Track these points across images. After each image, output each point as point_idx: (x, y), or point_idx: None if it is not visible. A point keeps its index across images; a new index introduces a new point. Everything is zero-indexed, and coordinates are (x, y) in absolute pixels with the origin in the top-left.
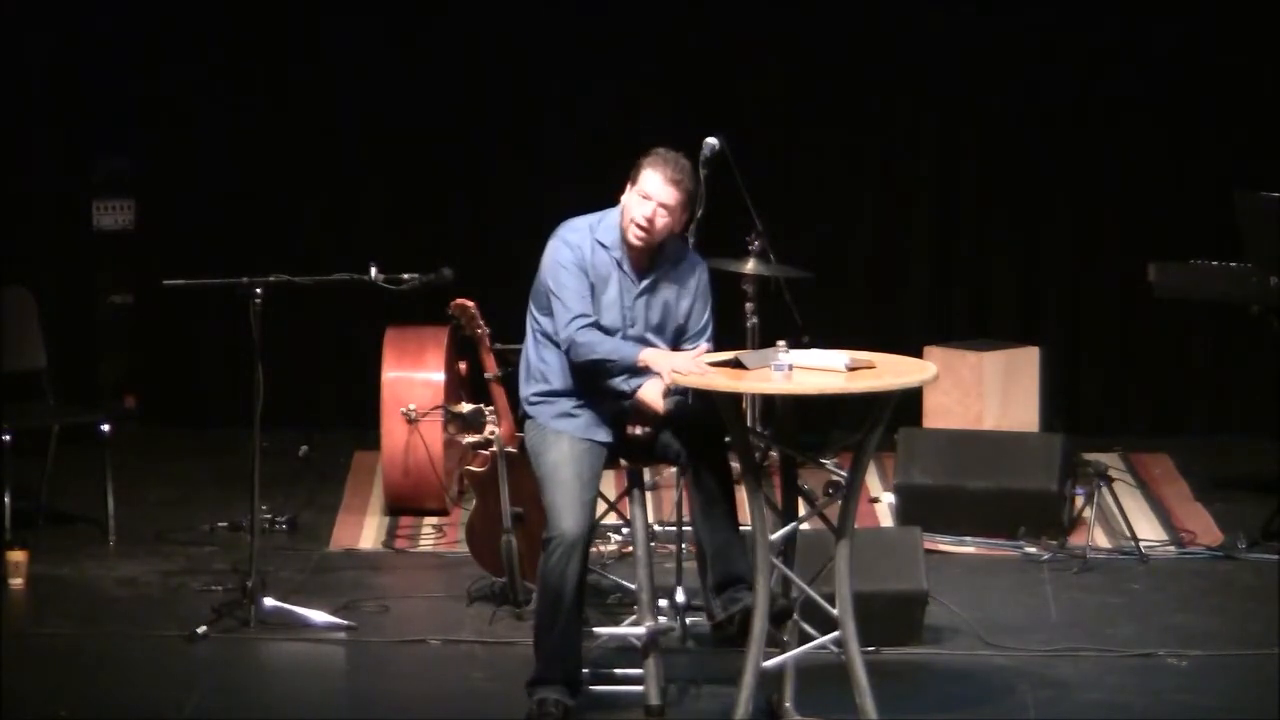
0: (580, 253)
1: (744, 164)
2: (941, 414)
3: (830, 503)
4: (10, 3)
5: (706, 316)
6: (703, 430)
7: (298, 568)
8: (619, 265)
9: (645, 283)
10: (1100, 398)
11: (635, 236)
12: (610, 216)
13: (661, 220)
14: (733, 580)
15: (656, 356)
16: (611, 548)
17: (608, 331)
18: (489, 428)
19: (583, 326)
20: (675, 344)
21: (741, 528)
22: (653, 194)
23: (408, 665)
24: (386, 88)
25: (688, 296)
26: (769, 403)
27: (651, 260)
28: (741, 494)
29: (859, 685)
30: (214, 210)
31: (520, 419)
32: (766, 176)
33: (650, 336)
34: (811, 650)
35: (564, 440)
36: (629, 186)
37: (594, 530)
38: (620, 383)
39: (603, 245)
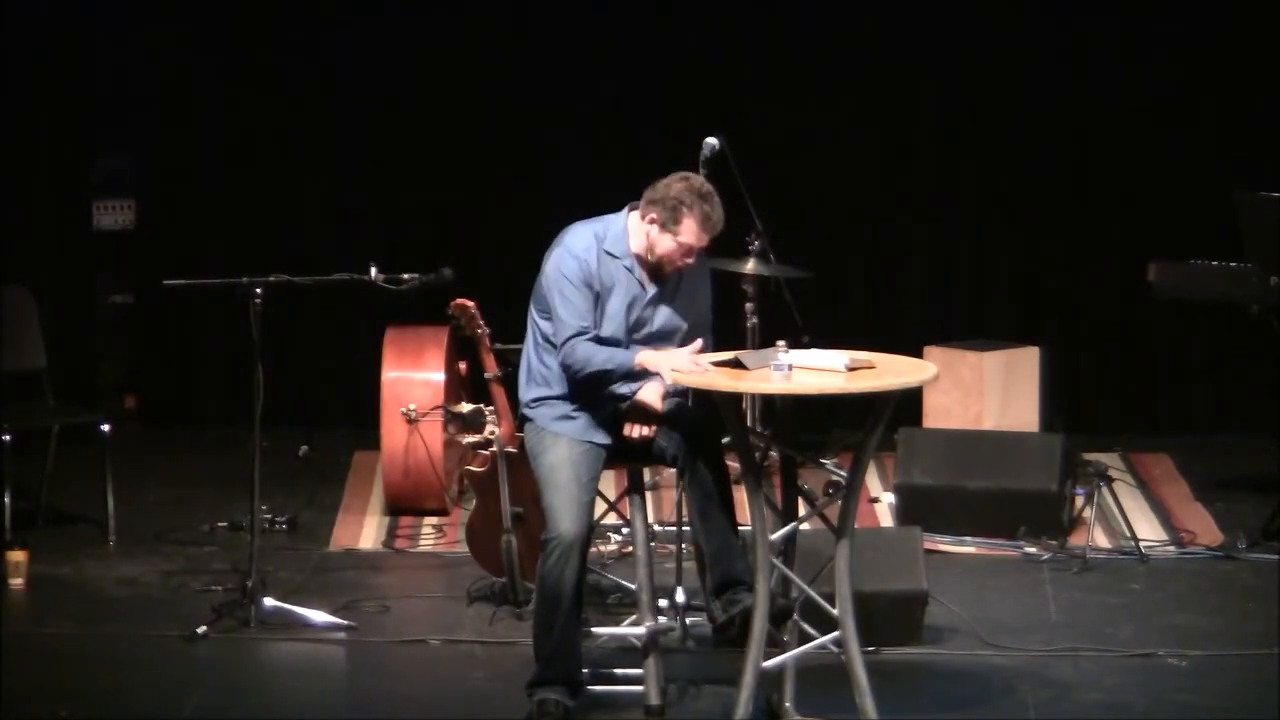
0: (586, 265)
1: (744, 164)
2: (941, 414)
3: (830, 503)
4: (10, 2)
5: (709, 320)
6: (698, 431)
7: (298, 568)
8: (630, 273)
9: (657, 291)
10: (1100, 398)
11: (671, 270)
12: (616, 225)
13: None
14: (732, 582)
15: (654, 357)
16: (611, 548)
17: (612, 341)
18: (489, 428)
19: (578, 343)
20: (679, 342)
21: (741, 528)
22: (696, 245)
23: (408, 665)
24: (386, 88)
25: (697, 299)
26: (769, 403)
27: (658, 271)
28: (741, 494)
29: (859, 685)
30: (214, 210)
31: (520, 420)
32: (766, 176)
33: (658, 344)
34: (811, 650)
35: (562, 442)
36: (657, 219)
37: (592, 531)
38: (620, 386)
39: (611, 255)
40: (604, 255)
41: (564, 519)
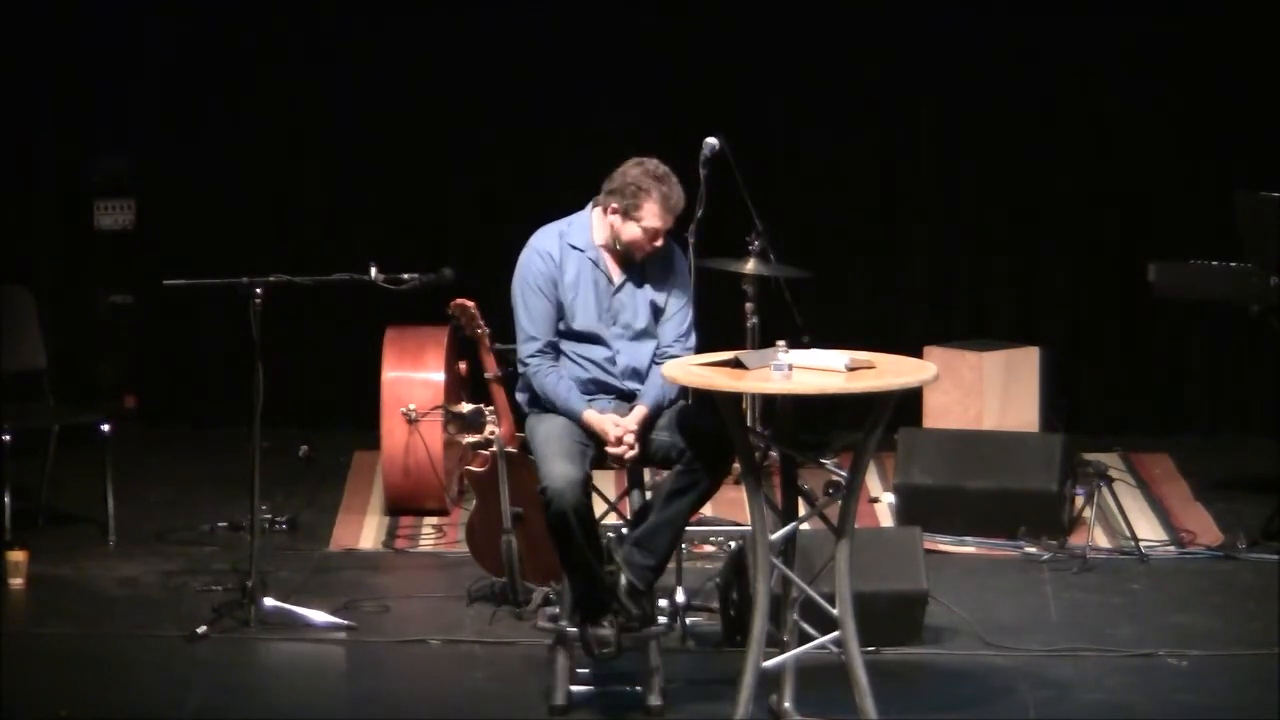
0: (550, 264)
1: (744, 164)
2: (941, 414)
3: (830, 503)
4: (10, 3)
5: (686, 297)
6: (714, 446)
7: (298, 568)
8: (595, 265)
9: (622, 279)
10: (1100, 398)
11: (642, 256)
12: (580, 219)
13: (663, 239)
14: (644, 545)
15: (598, 420)
16: None
17: (585, 335)
18: (489, 428)
19: (536, 352)
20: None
21: (741, 527)
22: (661, 228)
23: (408, 665)
24: (386, 88)
25: (667, 284)
26: (769, 403)
27: (628, 259)
28: (741, 494)
29: (859, 685)
30: (214, 210)
31: (520, 419)
32: (766, 176)
33: (631, 339)
34: (811, 650)
35: (555, 418)
36: (618, 208)
37: (589, 478)
38: (618, 382)
39: (576, 248)
40: (568, 249)
41: (555, 466)
